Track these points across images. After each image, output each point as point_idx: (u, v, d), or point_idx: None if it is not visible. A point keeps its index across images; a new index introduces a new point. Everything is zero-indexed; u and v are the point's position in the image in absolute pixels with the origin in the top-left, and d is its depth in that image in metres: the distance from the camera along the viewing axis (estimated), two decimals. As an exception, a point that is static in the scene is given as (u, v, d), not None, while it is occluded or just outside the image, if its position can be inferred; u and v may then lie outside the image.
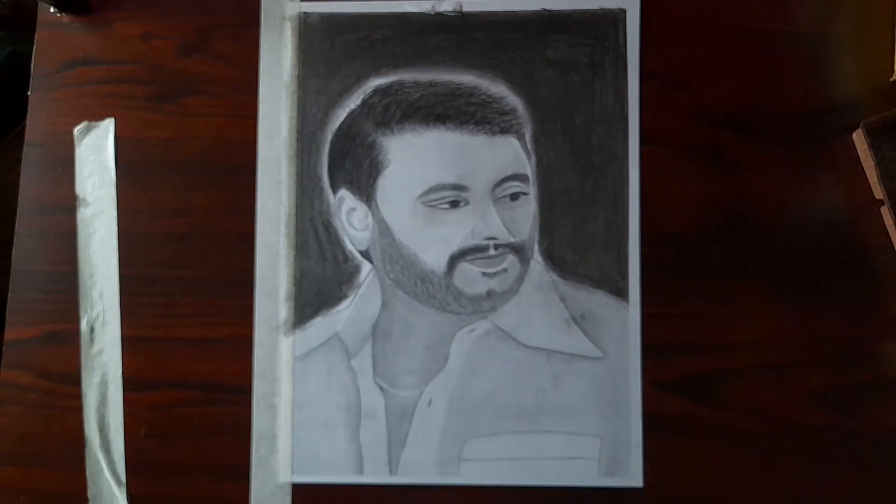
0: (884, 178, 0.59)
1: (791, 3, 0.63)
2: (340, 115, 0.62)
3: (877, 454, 0.59)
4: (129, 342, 0.62)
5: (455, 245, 0.60)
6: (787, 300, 0.60)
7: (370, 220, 0.61)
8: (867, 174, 0.61)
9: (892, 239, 0.60)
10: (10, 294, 0.63)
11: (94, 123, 0.64)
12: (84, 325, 0.62)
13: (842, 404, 0.59)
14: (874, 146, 0.59)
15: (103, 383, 0.61)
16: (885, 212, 0.60)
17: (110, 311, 0.62)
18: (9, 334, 0.62)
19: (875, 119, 0.59)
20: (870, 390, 0.59)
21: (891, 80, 0.61)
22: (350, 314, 0.61)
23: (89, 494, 0.60)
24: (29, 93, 0.65)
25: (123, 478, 0.60)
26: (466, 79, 0.62)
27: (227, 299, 0.62)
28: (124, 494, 0.60)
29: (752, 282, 0.60)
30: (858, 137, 0.60)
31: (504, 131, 0.61)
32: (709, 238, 0.61)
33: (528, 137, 0.61)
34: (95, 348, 0.62)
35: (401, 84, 0.62)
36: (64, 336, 0.62)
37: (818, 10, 0.63)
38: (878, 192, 0.60)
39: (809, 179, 0.61)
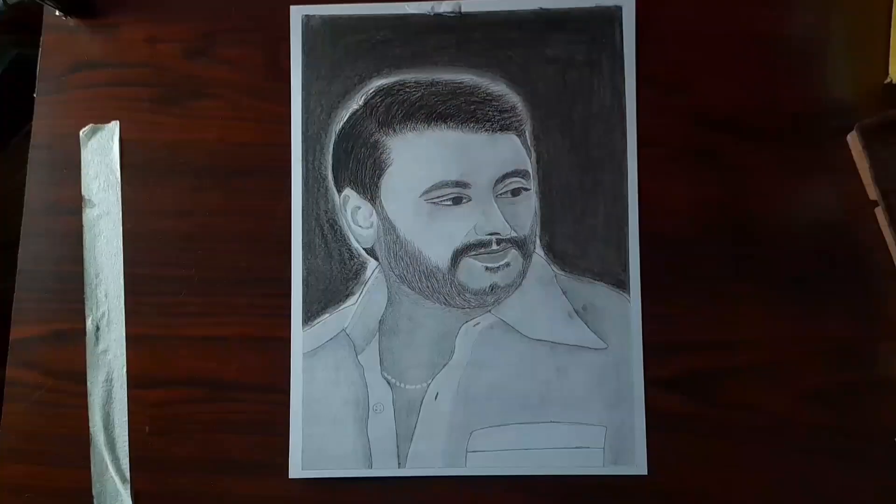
0: (878, 179, 0.60)
1: (787, 7, 0.64)
2: (344, 116, 0.63)
3: (871, 451, 0.59)
4: (134, 341, 0.62)
5: (458, 241, 0.61)
6: (783, 300, 0.61)
7: (375, 217, 0.62)
8: (862, 175, 0.61)
9: (887, 239, 0.61)
10: (16, 293, 0.63)
11: (99, 126, 0.64)
12: (89, 323, 0.62)
13: (837, 402, 0.60)
14: (868, 148, 0.60)
15: (108, 381, 0.61)
16: (879, 212, 0.61)
17: (115, 311, 0.62)
18: (15, 333, 0.62)
19: (869, 121, 0.60)
20: (865, 389, 0.60)
21: (885, 82, 0.62)
22: (357, 310, 0.61)
23: (94, 491, 0.60)
24: (35, 95, 0.65)
25: (128, 475, 0.60)
26: (466, 78, 0.63)
27: (231, 298, 0.62)
28: (129, 491, 0.60)
29: (748, 282, 0.61)
30: (853, 139, 0.61)
31: (504, 128, 0.62)
32: (706, 239, 0.62)
33: (528, 134, 0.62)
34: (101, 347, 0.62)
35: (402, 84, 0.63)
36: (70, 335, 0.62)
37: (814, 14, 0.64)
38: (873, 193, 0.60)
39: (805, 180, 0.62)
